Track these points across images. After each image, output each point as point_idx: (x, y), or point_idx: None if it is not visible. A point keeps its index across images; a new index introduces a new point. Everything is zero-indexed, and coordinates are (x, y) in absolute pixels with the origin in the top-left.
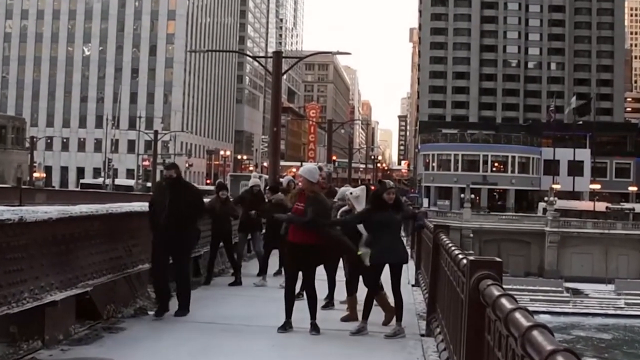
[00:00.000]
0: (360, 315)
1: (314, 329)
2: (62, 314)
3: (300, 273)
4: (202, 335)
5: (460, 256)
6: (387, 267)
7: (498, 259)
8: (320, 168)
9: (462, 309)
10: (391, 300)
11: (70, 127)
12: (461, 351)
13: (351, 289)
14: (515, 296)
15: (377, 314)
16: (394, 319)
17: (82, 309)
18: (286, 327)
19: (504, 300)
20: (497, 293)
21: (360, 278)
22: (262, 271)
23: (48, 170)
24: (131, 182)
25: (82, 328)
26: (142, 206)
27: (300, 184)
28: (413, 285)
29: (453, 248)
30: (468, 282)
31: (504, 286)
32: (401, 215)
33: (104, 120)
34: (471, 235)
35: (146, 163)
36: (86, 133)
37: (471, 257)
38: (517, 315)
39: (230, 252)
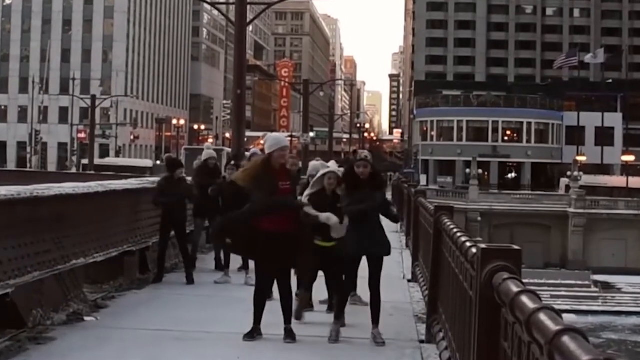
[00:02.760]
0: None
1: (289, 335)
2: None
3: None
4: (150, 346)
5: (469, 244)
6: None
7: (516, 247)
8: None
9: (471, 310)
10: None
11: None
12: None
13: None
14: None
15: (353, 314)
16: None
17: (1, 316)
18: (254, 334)
19: (525, 298)
20: (515, 289)
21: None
22: (225, 265)
23: None
24: (148, 163)
25: (2, 339)
26: (75, 187)
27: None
28: (409, 281)
29: (459, 234)
30: (479, 276)
31: None
32: (380, 196)
33: (30, 84)
34: (479, 218)
35: (82, 135)
36: (8, 99)
37: (482, 245)
38: (543, 316)
39: (184, 243)
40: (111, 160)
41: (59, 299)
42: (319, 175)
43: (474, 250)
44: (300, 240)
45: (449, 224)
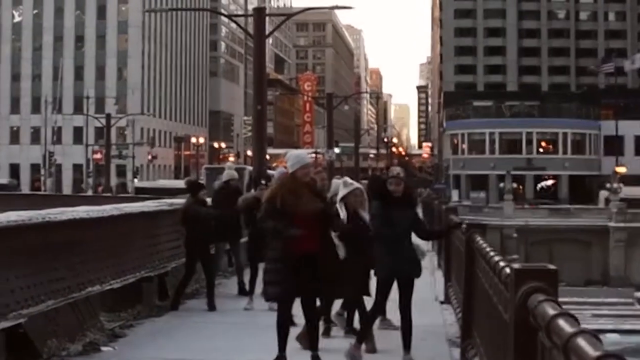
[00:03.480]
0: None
1: None
2: None
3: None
4: None
5: (502, 264)
6: None
7: (551, 267)
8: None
9: (506, 333)
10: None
11: (0, 113)
12: None
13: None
14: (574, 311)
15: (384, 339)
16: None
17: (15, 347)
18: None
19: (561, 322)
20: (552, 312)
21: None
22: (250, 290)
23: None
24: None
25: None
26: (89, 212)
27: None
28: (442, 303)
29: (491, 253)
30: (513, 298)
31: (559, 299)
32: (413, 214)
33: (42, 103)
34: (515, 235)
35: (97, 156)
36: (20, 120)
37: (515, 265)
38: (581, 341)
39: (211, 268)
40: (152, 182)
41: (75, 329)
42: (346, 192)
43: (507, 270)
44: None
45: (481, 242)
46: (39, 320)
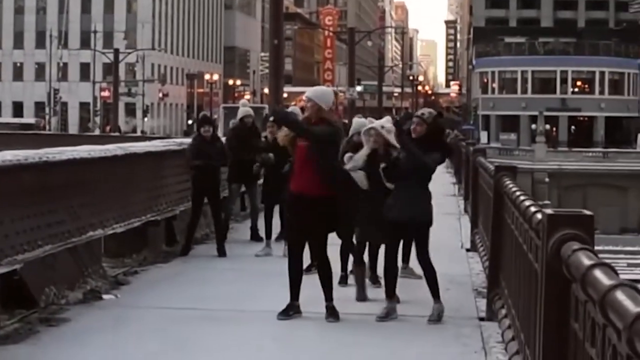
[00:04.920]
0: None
1: (331, 314)
2: None
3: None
4: (175, 326)
5: (533, 209)
6: None
7: (587, 212)
8: (334, 93)
9: (537, 285)
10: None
11: (2, 49)
12: (536, 344)
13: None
14: (609, 261)
15: (405, 288)
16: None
17: (9, 295)
18: (289, 311)
19: (598, 274)
20: (588, 262)
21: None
22: (267, 235)
23: None
24: None
25: (10, 320)
26: (90, 151)
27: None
28: (468, 250)
29: (522, 197)
30: (544, 247)
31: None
32: (435, 158)
33: (47, 38)
34: (547, 179)
35: (105, 94)
36: (24, 56)
37: (548, 210)
38: (620, 296)
39: (219, 211)
40: None
41: (75, 276)
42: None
43: (538, 216)
44: (338, 204)
45: (510, 186)
46: (35, 267)
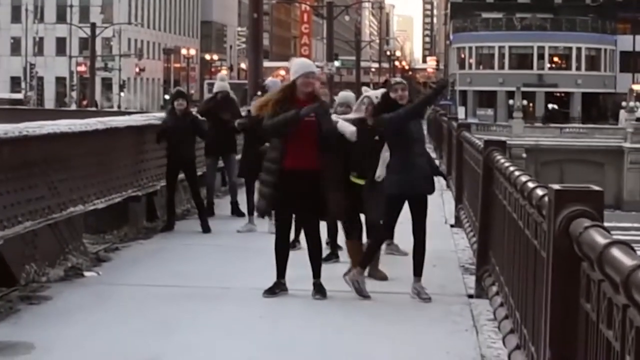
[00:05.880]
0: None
1: (319, 291)
2: None
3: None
4: (158, 304)
5: (531, 184)
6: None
7: (597, 188)
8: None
9: (536, 262)
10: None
11: None
12: (539, 324)
13: (351, 229)
14: None
15: (391, 266)
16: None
17: None
18: (276, 289)
19: (617, 253)
20: (603, 240)
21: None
22: (249, 211)
23: None
24: None
25: None
26: (70, 125)
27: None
28: (452, 226)
29: (517, 172)
30: (552, 224)
31: None
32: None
33: (23, 12)
34: (524, 155)
35: (82, 68)
36: None
37: (555, 186)
38: None
39: (196, 185)
40: None
41: (55, 252)
42: (358, 102)
43: (539, 192)
44: (328, 178)
45: (502, 161)
46: (15, 244)
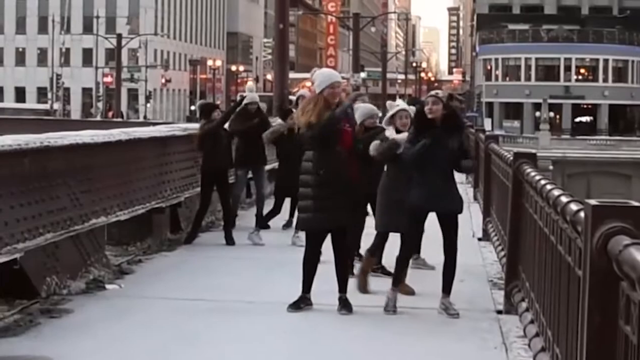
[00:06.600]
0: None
1: (344, 306)
2: None
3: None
4: (179, 318)
5: (565, 199)
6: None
7: (637, 204)
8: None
9: (569, 279)
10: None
11: (5, 34)
12: (573, 344)
13: (376, 247)
14: None
15: (417, 280)
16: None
17: (9, 285)
18: (301, 304)
19: None
20: None
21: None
22: (263, 223)
23: None
24: None
25: (10, 312)
26: (93, 136)
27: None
28: (480, 239)
29: (549, 186)
30: (589, 241)
31: None
32: (457, 142)
33: (50, 23)
34: (550, 167)
35: (108, 79)
36: (26, 41)
37: (592, 201)
38: None
39: (227, 197)
40: None
41: (77, 264)
42: (389, 115)
43: (573, 206)
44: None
45: (533, 174)
46: (36, 256)
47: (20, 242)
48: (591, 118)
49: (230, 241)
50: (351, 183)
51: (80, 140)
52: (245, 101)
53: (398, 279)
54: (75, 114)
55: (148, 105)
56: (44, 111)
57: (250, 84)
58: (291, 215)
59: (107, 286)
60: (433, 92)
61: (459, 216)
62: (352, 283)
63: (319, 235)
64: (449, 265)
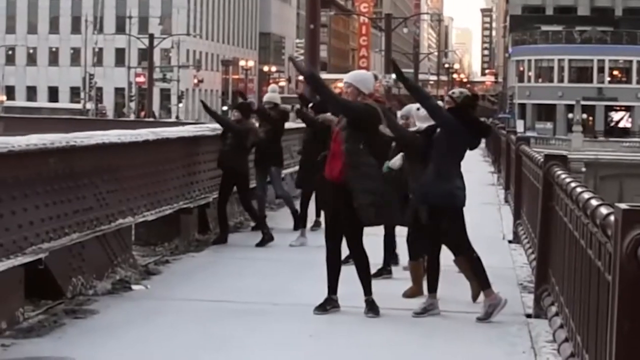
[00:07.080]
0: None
1: (371, 308)
2: (3, 293)
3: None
4: (206, 320)
5: (595, 202)
6: None
7: None
8: (375, 77)
9: (599, 284)
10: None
11: (38, 34)
12: (602, 350)
13: (414, 249)
14: None
15: (450, 285)
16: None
17: (34, 285)
18: (327, 306)
19: None
20: None
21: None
22: (302, 223)
23: (10, 90)
24: None
25: (35, 312)
26: (120, 136)
27: (346, 94)
28: (510, 242)
29: (579, 189)
30: (619, 246)
31: None
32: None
33: (83, 23)
34: (583, 169)
35: (140, 79)
36: (59, 41)
37: (622, 205)
38: None
39: (247, 198)
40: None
41: (103, 265)
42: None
43: (603, 210)
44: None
45: (564, 176)
46: (62, 256)
47: (45, 242)
48: (622, 125)
49: (266, 240)
50: (337, 185)
51: (107, 140)
52: (265, 98)
53: (483, 282)
54: (108, 113)
55: (180, 105)
56: (79, 110)
57: (273, 86)
58: (317, 215)
59: (134, 287)
60: (450, 92)
61: (488, 215)
62: (377, 285)
63: (332, 236)
64: (475, 265)
